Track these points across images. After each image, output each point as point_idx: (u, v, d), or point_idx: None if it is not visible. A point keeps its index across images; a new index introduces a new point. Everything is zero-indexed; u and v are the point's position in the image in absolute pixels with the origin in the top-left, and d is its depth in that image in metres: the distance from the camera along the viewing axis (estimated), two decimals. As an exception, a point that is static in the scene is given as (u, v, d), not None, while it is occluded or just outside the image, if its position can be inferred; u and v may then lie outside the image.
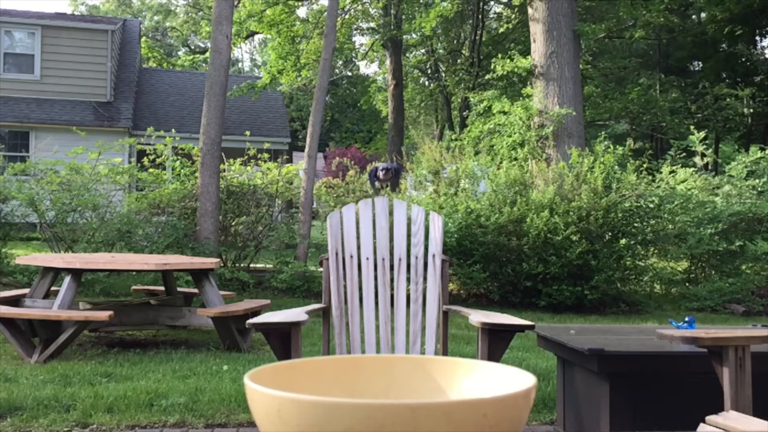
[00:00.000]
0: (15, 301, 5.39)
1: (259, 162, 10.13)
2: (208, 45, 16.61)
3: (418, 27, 19.98)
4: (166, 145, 10.07)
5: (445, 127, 24.35)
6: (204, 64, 32.59)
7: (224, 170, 9.54)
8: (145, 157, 10.06)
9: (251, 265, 9.22)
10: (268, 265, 9.37)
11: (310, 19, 19.61)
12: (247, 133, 12.62)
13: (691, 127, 13.43)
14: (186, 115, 19.23)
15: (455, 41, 24.47)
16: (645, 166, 9.32)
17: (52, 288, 5.50)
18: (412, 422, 0.67)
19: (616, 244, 8.22)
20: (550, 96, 11.78)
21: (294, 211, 10.49)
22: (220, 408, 3.72)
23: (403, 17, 21.95)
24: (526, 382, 0.79)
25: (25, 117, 16.72)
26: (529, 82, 13.10)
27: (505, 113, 12.19)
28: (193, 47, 40.23)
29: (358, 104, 28.76)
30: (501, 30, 22.58)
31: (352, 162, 11.17)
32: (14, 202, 8.85)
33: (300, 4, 19.77)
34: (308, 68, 18.90)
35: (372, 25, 22.63)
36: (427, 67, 25.27)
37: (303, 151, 10.74)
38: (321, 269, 3.27)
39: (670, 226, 9.16)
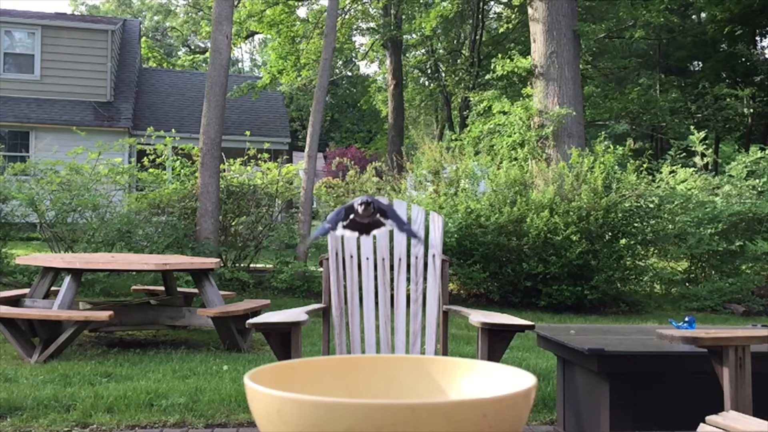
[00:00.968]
0: (15, 301, 5.39)
1: (259, 162, 10.13)
2: (208, 45, 16.62)
3: (418, 27, 19.97)
4: (166, 145, 10.07)
5: (445, 127, 24.35)
6: (204, 64, 32.58)
7: (224, 170, 9.53)
8: (145, 157, 10.06)
9: (251, 265, 9.22)
10: (268, 265, 9.37)
11: (310, 19, 19.60)
12: (247, 133, 12.62)
13: (691, 127, 13.43)
14: (186, 115, 19.22)
15: (455, 41, 24.47)
16: (645, 166, 9.32)
17: (52, 288, 5.50)
18: (412, 422, 0.67)
19: (616, 244, 8.22)
20: (550, 96, 11.78)
21: (294, 211, 10.49)
22: (220, 408, 3.72)
23: (403, 17, 21.94)
24: (526, 382, 0.79)
25: (25, 117, 16.72)
26: (529, 82, 13.10)
27: (505, 113, 12.19)
28: (193, 47, 40.22)
29: (358, 104, 28.75)
30: (501, 30, 22.57)
31: (352, 162, 11.18)
32: (14, 202, 8.85)
33: (300, 4, 19.76)
34: (308, 68, 18.89)
35: (372, 25, 22.62)
36: (427, 67, 25.27)
37: (303, 151, 10.74)
38: (321, 269, 3.27)
39: (670, 226, 9.16)
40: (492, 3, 23.56)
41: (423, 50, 24.83)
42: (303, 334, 2.82)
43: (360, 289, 3.15)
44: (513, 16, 21.20)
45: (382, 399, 0.89)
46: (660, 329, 2.85)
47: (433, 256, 3.20)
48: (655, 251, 9.56)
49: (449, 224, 8.09)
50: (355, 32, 23.35)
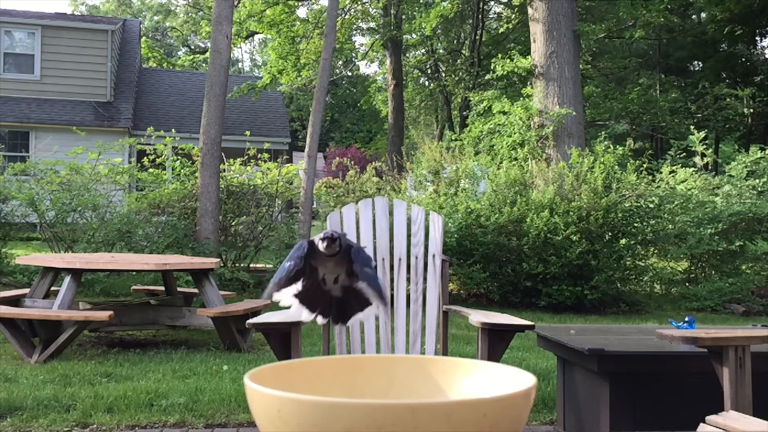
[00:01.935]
0: (15, 301, 5.39)
1: (259, 162, 10.13)
2: (208, 45, 16.62)
3: (418, 27, 19.97)
4: (166, 145, 10.07)
5: (445, 127, 24.34)
6: (204, 64, 32.57)
7: (224, 170, 9.54)
8: (145, 157, 10.06)
9: (251, 265, 9.22)
10: (268, 265, 9.37)
11: (310, 19, 19.60)
12: (247, 133, 12.62)
13: (691, 127, 13.43)
14: (186, 115, 19.22)
15: (455, 41, 24.46)
16: (645, 166, 9.32)
17: (52, 288, 5.50)
18: (412, 422, 0.67)
19: (616, 244, 8.22)
20: (550, 96, 11.78)
21: (294, 211, 10.49)
22: (220, 408, 3.72)
23: (403, 17, 21.94)
24: (526, 382, 0.79)
25: (25, 117, 16.72)
26: (529, 82, 13.10)
27: (505, 113, 12.19)
28: (193, 47, 40.22)
29: (358, 104, 28.75)
30: (501, 30, 22.57)
31: (352, 162, 11.17)
32: (14, 202, 8.85)
33: (300, 4, 19.77)
34: (308, 68, 18.89)
35: (372, 25, 22.63)
36: (427, 67, 25.26)
37: (303, 151, 10.74)
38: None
39: (670, 226, 9.16)
40: (492, 3, 23.56)
41: (423, 50, 24.82)
42: (303, 334, 2.82)
43: (360, 289, 3.14)
44: (513, 16, 21.20)
45: (382, 399, 0.89)
46: (660, 329, 2.85)
47: (433, 256, 3.20)
48: (655, 251, 9.56)
49: (449, 224, 8.09)
50: (355, 32, 23.36)
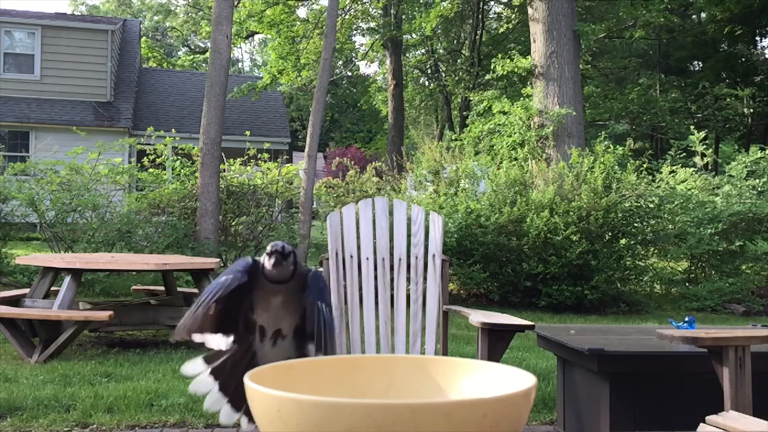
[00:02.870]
0: (15, 301, 5.39)
1: (259, 162, 10.13)
2: (208, 45, 16.62)
3: (418, 27, 19.97)
4: (166, 145, 10.07)
5: (445, 127, 24.34)
6: (204, 64, 32.57)
7: (224, 170, 9.54)
8: (145, 157, 10.06)
9: (251, 265, 9.21)
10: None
11: (310, 19, 19.60)
12: (247, 133, 12.62)
13: (691, 127, 13.43)
14: (186, 115, 19.22)
15: (455, 41, 24.46)
16: (645, 166, 9.32)
17: (52, 288, 5.50)
18: (412, 422, 0.67)
19: (616, 244, 8.22)
20: (550, 96, 11.78)
21: (294, 211, 10.50)
22: (220, 408, 3.72)
23: (403, 17, 21.93)
24: (526, 382, 0.79)
25: (25, 117, 16.72)
26: (529, 82, 13.10)
27: (505, 113, 12.19)
28: (193, 47, 40.21)
29: (358, 104, 28.75)
30: (501, 30, 22.57)
31: (352, 162, 11.17)
32: (14, 202, 8.85)
33: (300, 4, 19.77)
34: (308, 68, 18.89)
35: (372, 25, 22.62)
36: (427, 67, 25.26)
37: (303, 151, 10.74)
38: (321, 269, 3.27)
39: (670, 226, 9.16)
40: (492, 3, 23.56)
41: (423, 50, 24.82)
42: (303, 334, 2.81)
43: (360, 289, 3.15)
44: (513, 16, 21.20)
45: (382, 399, 0.89)
46: (660, 329, 2.84)
47: (433, 256, 3.20)
48: (655, 251, 9.56)
49: (449, 224, 8.09)
50: (355, 32, 23.35)
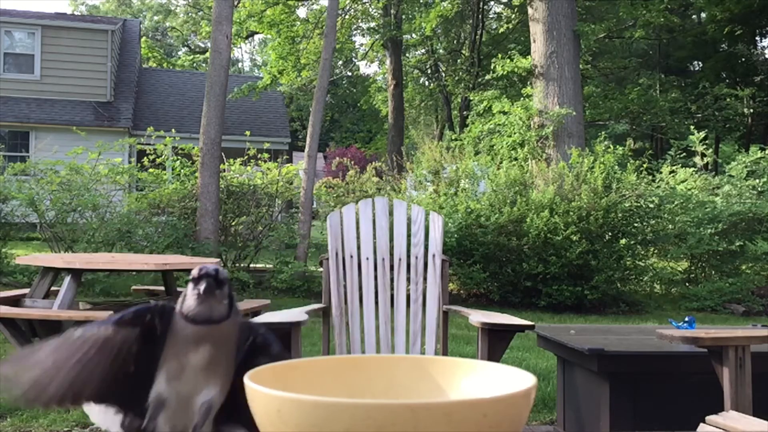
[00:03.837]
0: (15, 301, 5.38)
1: (259, 162, 10.13)
2: (208, 45, 16.62)
3: (418, 27, 19.97)
4: (166, 145, 10.07)
5: (445, 127, 24.33)
6: (204, 64, 32.57)
7: (224, 170, 9.54)
8: (145, 157, 10.06)
9: (251, 265, 9.22)
10: (268, 265, 9.37)
11: (310, 19, 19.60)
12: (247, 133, 12.61)
13: (691, 127, 13.43)
14: (186, 115, 19.22)
15: (455, 41, 24.46)
16: (645, 166, 9.32)
17: (52, 288, 5.50)
18: (412, 422, 0.67)
19: (616, 244, 8.22)
20: (550, 96, 11.78)
21: (294, 211, 10.50)
22: (220, 408, 3.72)
23: (403, 17, 21.94)
24: (526, 382, 0.78)
25: (25, 117, 16.72)
26: (529, 82, 13.10)
27: (505, 113, 12.19)
28: (193, 47, 40.20)
29: (358, 104, 28.74)
30: (501, 30, 22.57)
31: (352, 162, 11.17)
32: (14, 202, 8.85)
33: (300, 4, 19.77)
34: (308, 68, 18.89)
35: (372, 25, 22.62)
36: (427, 67, 25.26)
37: (303, 151, 10.74)
38: (321, 269, 3.27)
39: (670, 226, 9.16)
40: (492, 3, 23.56)
41: (423, 50, 24.82)
42: (303, 334, 2.82)
43: (360, 289, 3.15)
44: (513, 16, 21.21)
45: (382, 399, 0.89)
46: (660, 329, 2.84)
47: (433, 256, 3.20)
48: (655, 251, 9.57)
49: (449, 224, 8.09)
50: (355, 32, 23.34)
